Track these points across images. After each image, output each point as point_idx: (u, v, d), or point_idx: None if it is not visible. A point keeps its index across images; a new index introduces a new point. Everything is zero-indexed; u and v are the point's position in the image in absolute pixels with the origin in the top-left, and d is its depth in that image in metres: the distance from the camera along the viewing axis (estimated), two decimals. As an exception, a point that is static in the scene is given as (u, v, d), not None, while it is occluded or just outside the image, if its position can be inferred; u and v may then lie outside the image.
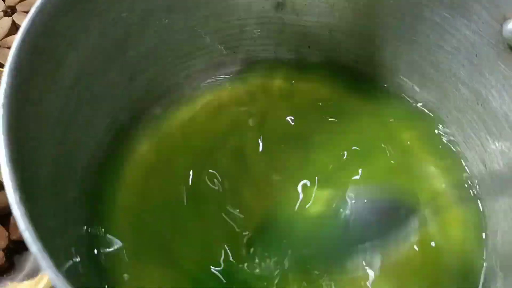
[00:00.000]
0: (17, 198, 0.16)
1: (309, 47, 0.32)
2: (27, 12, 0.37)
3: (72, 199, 0.24)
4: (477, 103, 0.27)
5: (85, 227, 0.25)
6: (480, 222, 0.28)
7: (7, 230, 0.29)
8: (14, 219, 0.29)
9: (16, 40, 0.18)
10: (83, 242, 0.25)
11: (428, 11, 0.27)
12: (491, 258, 0.26)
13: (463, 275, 0.27)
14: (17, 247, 0.30)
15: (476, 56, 0.26)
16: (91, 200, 0.26)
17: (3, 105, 0.16)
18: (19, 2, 0.39)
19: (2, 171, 0.16)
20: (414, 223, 0.27)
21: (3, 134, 0.16)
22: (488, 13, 0.24)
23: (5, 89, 0.17)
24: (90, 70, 0.24)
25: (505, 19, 0.23)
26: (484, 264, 0.27)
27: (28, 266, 0.29)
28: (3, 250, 0.29)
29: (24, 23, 0.19)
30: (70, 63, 0.22)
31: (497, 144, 0.26)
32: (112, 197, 0.27)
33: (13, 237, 0.29)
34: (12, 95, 0.17)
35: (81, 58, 0.23)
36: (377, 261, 0.26)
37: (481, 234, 0.28)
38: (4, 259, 0.28)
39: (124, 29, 0.25)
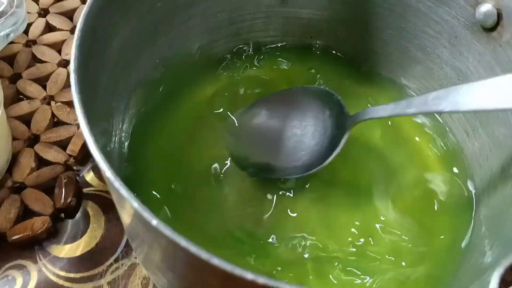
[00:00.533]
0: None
1: (311, 37, 0.37)
2: (59, 13, 0.42)
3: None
4: (458, 79, 0.32)
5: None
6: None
7: (52, 199, 0.33)
8: (58, 190, 0.33)
9: (77, 26, 0.23)
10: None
11: (414, 1, 0.31)
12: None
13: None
14: (60, 215, 0.34)
15: (456, 37, 0.30)
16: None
17: (74, 70, 0.21)
18: (52, 4, 0.44)
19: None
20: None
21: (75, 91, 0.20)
22: (464, 0, 0.29)
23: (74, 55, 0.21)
24: (127, 54, 0.28)
25: (477, 3, 0.28)
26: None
27: (69, 231, 0.33)
28: (50, 215, 0.33)
29: (82, 12, 0.23)
30: (114, 45, 0.26)
31: (474, 117, 0.31)
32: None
33: (57, 206, 0.33)
34: (79, 58, 0.21)
35: (122, 42, 0.27)
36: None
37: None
38: (51, 223, 0.32)
39: (155, 19, 0.29)
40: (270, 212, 0.30)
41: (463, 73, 0.31)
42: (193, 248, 0.16)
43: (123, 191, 0.17)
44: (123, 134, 0.30)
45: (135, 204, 0.17)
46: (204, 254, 0.16)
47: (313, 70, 0.37)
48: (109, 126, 0.27)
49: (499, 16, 0.27)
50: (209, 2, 0.33)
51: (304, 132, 0.32)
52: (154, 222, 0.17)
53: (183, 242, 0.16)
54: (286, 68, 0.38)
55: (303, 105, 0.33)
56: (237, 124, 0.33)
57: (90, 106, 0.21)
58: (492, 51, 0.28)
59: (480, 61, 0.29)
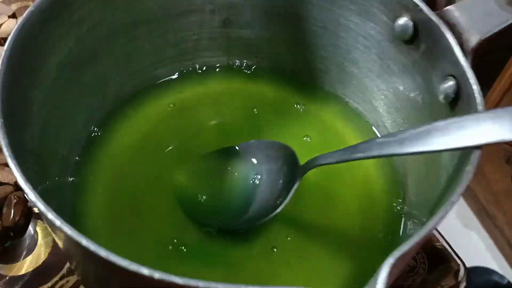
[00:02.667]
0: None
1: (255, 56, 0.39)
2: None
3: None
4: (389, 91, 0.33)
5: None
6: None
7: (0, 219, 0.34)
8: (6, 209, 0.34)
9: (7, 43, 0.24)
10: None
11: (343, 19, 0.33)
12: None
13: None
14: (8, 234, 0.34)
15: (382, 51, 0.32)
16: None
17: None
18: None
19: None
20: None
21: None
22: (385, 15, 0.30)
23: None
24: (67, 72, 0.30)
25: (395, 18, 0.30)
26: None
27: (17, 250, 0.34)
28: (-4, 235, 0.33)
29: (13, 29, 0.24)
30: (50, 64, 0.27)
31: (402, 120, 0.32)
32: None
33: (5, 225, 0.34)
34: (4, 85, 0.22)
35: (60, 61, 0.28)
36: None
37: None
38: (-3, 242, 0.33)
39: (97, 39, 0.31)
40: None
41: (393, 85, 0.33)
42: (103, 252, 0.17)
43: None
44: (68, 155, 0.31)
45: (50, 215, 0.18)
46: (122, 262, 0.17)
47: (258, 88, 0.39)
48: (49, 147, 0.28)
49: (415, 29, 0.29)
50: (152, 24, 0.34)
51: (257, 184, 0.32)
52: (58, 222, 0.17)
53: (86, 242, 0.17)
54: (232, 87, 0.39)
55: (257, 157, 0.33)
56: (188, 174, 0.34)
57: (20, 132, 0.22)
58: (412, 63, 0.30)
59: (405, 72, 0.31)
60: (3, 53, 0.23)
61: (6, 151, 0.21)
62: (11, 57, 0.24)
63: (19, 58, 0.24)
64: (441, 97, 0.27)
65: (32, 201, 0.19)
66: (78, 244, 0.17)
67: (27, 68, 0.25)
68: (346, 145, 0.35)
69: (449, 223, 0.37)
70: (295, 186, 0.30)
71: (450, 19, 0.27)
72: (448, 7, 0.27)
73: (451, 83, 0.26)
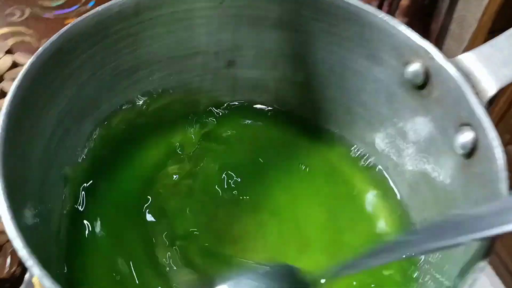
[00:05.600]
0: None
1: (260, 96, 0.38)
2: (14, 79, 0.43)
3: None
4: (398, 136, 0.32)
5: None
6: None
7: (-6, 270, 0.33)
8: (2, 259, 0.32)
9: (8, 95, 0.23)
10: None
11: (351, 62, 0.32)
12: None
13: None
14: (4, 286, 0.33)
15: (391, 95, 0.31)
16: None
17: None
18: (7, 71, 0.44)
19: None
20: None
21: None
22: (395, 59, 0.30)
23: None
24: (67, 121, 0.29)
25: (406, 63, 0.29)
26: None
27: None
28: (-9, 287, 0.32)
29: (15, 80, 0.23)
30: (51, 113, 0.26)
31: (415, 167, 0.31)
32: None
33: (1, 276, 0.32)
34: (5, 134, 0.21)
35: (60, 109, 0.27)
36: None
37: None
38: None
39: (97, 85, 0.30)
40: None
41: (402, 130, 0.32)
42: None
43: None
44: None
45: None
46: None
47: (264, 128, 0.38)
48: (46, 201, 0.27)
49: (427, 74, 0.28)
50: (154, 66, 0.34)
51: None
52: None
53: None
54: (238, 127, 0.38)
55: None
56: None
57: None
58: (424, 109, 0.29)
59: (415, 118, 0.30)
60: (3, 107, 0.22)
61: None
62: (11, 112, 0.23)
63: (20, 111, 0.23)
64: (456, 146, 0.26)
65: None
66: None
67: (27, 121, 0.24)
68: (353, 187, 0.36)
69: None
70: None
71: (464, 67, 0.26)
72: (462, 55, 0.26)
73: (467, 132, 0.26)
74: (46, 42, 0.26)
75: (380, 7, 0.74)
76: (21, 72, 0.24)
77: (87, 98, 0.30)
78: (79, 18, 0.28)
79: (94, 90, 0.30)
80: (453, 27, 1.06)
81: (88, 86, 0.29)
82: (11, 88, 0.23)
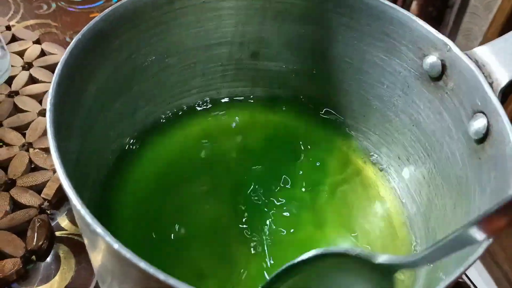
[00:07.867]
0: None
1: (279, 87, 0.40)
2: (42, 66, 0.45)
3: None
4: (412, 125, 0.34)
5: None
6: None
7: (24, 242, 0.34)
8: (30, 233, 0.34)
9: (55, 73, 0.25)
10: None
11: (369, 55, 0.34)
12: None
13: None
14: (32, 258, 0.34)
15: (408, 87, 0.33)
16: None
17: (49, 115, 0.22)
18: (36, 58, 0.46)
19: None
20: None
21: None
22: (412, 53, 0.31)
23: (49, 104, 0.23)
24: (103, 99, 0.30)
25: (424, 55, 0.31)
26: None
27: (40, 274, 0.34)
28: (21, 258, 0.33)
29: (61, 59, 0.25)
30: (89, 90, 0.28)
31: (428, 155, 0.33)
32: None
33: (29, 248, 0.34)
34: (54, 108, 0.23)
35: (98, 87, 0.29)
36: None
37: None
38: (21, 265, 0.33)
39: (132, 68, 0.32)
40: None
41: (416, 120, 0.33)
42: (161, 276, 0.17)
43: (95, 225, 0.18)
44: (97, 177, 0.32)
45: (108, 238, 0.18)
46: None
47: (281, 119, 0.40)
48: (83, 167, 0.29)
49: (443, 66, 0.30)
50: (183, 54, 0.35)
51: None
52: (128, 255, 0.18)
53: (155, 272, 0.17)
54: (256, 117, 0.40)
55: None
56: None
57: (64, 144, 0.22)
58: (439, 99, 0.31)
59: (430, 108, 0.32)
60: (52, 79, 0.24)
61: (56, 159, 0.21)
62: (59, 83, 0.24)
63: (66, 84, 0.25)
64: (471, 133, 0.28)
65: (78, 213, 0.19)
66: (148, 276, 0.17)
67: (71, 95, 0.26)
68: (366, 179, 0.38)
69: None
70: None
71: (479, 59, 0.28)
72: (477, 48, 0.28)
73: (480, 119, 0.27)
74: (89, 23, 0.28)
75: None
76: (67, 48, 0.26)
77: (121, 79, 0.31)
78: (118, 3, 0.30)
79: (128, 72, 0.32)
80: (460, 38, 1.08)
81: (125, 67, 0.31)
82: (59, 62, 0.25)
